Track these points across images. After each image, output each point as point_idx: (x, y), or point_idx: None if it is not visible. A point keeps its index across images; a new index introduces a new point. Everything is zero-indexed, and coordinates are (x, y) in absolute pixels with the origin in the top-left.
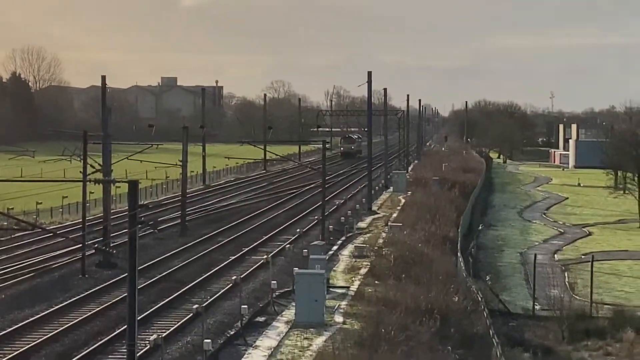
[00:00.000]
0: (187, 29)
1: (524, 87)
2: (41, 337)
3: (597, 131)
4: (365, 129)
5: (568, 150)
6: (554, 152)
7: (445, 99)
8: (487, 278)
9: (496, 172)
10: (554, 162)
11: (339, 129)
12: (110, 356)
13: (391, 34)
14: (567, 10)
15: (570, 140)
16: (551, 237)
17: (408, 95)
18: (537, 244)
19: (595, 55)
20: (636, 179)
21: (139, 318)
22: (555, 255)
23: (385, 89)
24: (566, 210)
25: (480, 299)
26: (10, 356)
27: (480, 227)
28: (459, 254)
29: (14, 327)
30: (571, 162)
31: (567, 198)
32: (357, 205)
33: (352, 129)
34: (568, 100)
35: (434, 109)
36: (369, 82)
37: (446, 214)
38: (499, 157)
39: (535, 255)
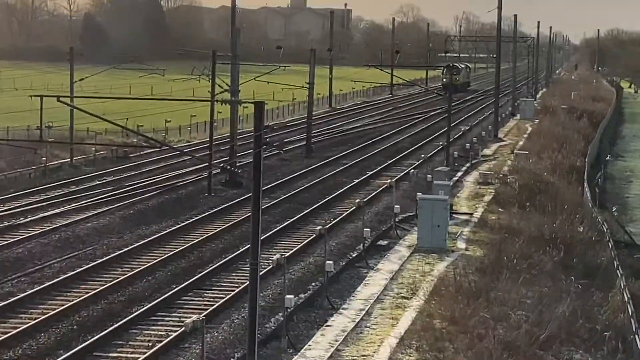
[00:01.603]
0: None
1: None
2: (167, 253)
3: None
4: (494, 56)
5: None
6: None
7: (577, 27)
8: (614, 209)
9: (627, 102)
10: None
11: (467, 55)
12: (233, 274)
13: None
14: None
15: None
16: None
17: (538, 22)
18: None
19: None
20: None
21: (262, 237)
22: None
23: (515, 15)
24: None
25: (605, 229)
26: (137, 270)
27: (608, 157)
28: (585, 184)
29: (141, 242)
30: None
31: None
32: (483, 132)
33: (481, 56)
34: None
35: (564, 36)
36: (499, 7)
37: (574, 143)
38: (630, 87)
39: None
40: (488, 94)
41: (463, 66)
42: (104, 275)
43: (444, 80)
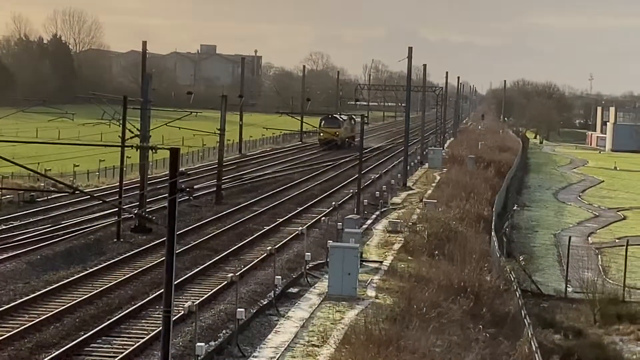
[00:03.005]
0: None
1: (563, 68)
2: (75, 299)
3: (635, 115)
4: (402, 105)
5: (605, 133)
6: (591, 134)
7: (484, 77)
8: (521, 258)
9: (532, 153)
10: (591, 144)
11: (375, 103)
12: (143, 320)
13: (435, 8)
14: None
15: (607, 123)
16: (585, 219)
17: (447, 72)
18: (571, 226)
19: (636, 37)
20: None
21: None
22: (589, 238)
23: (424, 65)
24: (601, 193)
25: (512, 279)
26: (45, 317)
27: (514, 207)
28: (492, 233)
29: (48, 288)
30: (608, 145)
31: (603, 181)
32: (392, 181)
33: (390, 104)
34: (607, 82)
35: (472, 86)
36: (410, 57)
37: (481, 192)
38: (535, 138)
39: (570, 237)
40: (377, 152)
41: (345, 117)
42: (10, 322)
43: (321, 135)
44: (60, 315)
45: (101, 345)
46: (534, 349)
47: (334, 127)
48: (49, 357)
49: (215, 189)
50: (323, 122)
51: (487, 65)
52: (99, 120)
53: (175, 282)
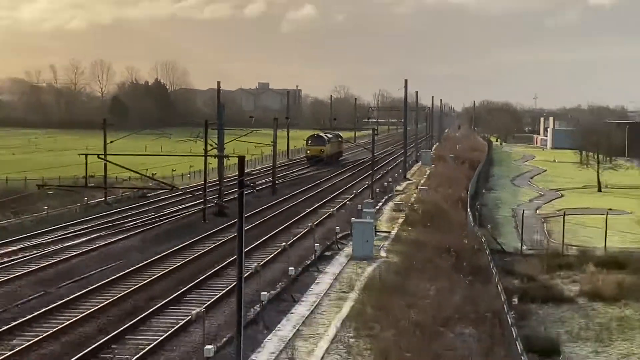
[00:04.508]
0: (280, 47)
1: (516, 91)
2: (176, 264)
3: (567, 123)
4: (402, 120)
5: (547, 136)
6: (537, 137)
7: (459, 99)
8: (489, 227)
9: (495, 152)
10: (537, 144)
11: (383, 120)
12: (224, 278)
13: (423, 50)
14: (557, 33)
15: (548, 129)
16: (534, 198)
17: (432, 97)
18: (524, 202)
19: (572, 67)
20: (595, 156)
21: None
22: (537, 211)
23: (416, 92)
24: (545, 179)
25: (483, 241)
26: (155, 276)
27: (483, 191)
28: (468, 210)
29: (157, 257)
30: (549, 145)
31: (546, 170)
32: (396, 174)
33: (393, 120)
34: (547, 100)
35: (450, 106)
36: (405, 87)
37: (459, 181)
38: (497, 141)
39: (523, 210)
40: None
41: (331, 136)
42: (132, 281)
43: (307, 152)
44: (167, 275)
45: (195, 296)
46: (500, 291)
47: (319, 145)
48: (159, 304)
49: (271, 184)
50: (309, 140)
51: (462, 90)
52: (188, 138)
53: (245, 250)
